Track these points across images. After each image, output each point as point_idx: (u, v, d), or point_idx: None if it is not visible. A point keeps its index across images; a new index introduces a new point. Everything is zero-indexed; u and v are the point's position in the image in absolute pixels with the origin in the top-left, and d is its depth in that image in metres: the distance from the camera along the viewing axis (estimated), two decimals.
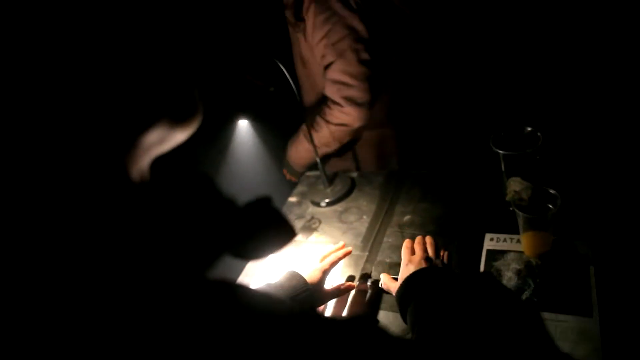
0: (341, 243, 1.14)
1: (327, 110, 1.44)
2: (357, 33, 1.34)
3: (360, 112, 1.41)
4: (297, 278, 0.96)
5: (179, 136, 0.44)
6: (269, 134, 1.69)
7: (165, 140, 0.42)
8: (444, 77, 1.88)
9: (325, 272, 1.01)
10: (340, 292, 1.03)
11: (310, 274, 0.98)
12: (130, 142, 0.38)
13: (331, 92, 1.40)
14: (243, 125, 1.29)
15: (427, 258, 0.96)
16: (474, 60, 1.83)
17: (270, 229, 0.55)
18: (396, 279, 0.97)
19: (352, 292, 1.06)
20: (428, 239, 1.03)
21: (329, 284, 1.04)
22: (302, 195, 1.48)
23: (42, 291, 0.32)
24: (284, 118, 1.59)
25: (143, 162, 0.41)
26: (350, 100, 1.39)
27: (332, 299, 1.03)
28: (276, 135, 1.72)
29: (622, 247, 0.93)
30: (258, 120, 1.57)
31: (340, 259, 1.07)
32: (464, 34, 1.81)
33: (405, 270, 0.94)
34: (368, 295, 1.04)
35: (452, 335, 0.70)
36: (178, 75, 0.42)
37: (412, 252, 1.00)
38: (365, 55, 1.35)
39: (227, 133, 1.55)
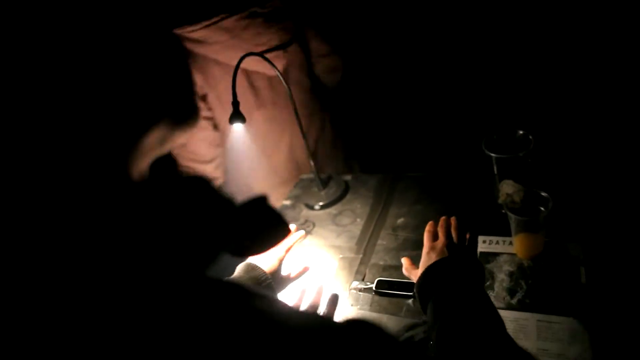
0: (293, 227, 1.15)
1: None
2: None
3: (200, 147, 1.47)
4: (255, 269, 0.98)
5: (179, 137, 0.44)
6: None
7: (165, 141, 0.43)
8: (438, 81, 1.89)
9: (281, 260, 1.04)
10: (297, 277, 1.07)
11: (267, 264, 1.00)
12: (131, 143, 0.39)
13: None
14: (238, 129, 1.29)
15: (449, 244, 0.92)
16: (467, 63, 1.85)
17: (266, 227, 0.56)
18: (417, 265, 0.95)
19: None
20: (453, 222, 0.99)
21: (286, 270, 1.07)
22: (296, 198, 1.48)
23: (43, 291, 0.32)
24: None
25: (143, 163, 0.42)
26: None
27: (290, 283, 1.06)
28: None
29: (613, 249, 0.95)
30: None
31: (294, 243, 1.10)
32: (456, 38, 1.83)
33: (427, 258, 0.90)
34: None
35: (474, 338, 0.68)
36: (178, 77, 0.43)
37: (435, 237, 0.97)
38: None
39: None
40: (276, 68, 1.20)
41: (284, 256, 1.05)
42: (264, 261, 1.01)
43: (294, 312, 0.40)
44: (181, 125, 0.43)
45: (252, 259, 1.01)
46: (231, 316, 0.35)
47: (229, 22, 1.23)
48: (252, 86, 1.46)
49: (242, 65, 1.33)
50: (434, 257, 0.88)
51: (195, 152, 1.45)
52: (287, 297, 1.06)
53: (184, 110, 0.44)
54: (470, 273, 0.84)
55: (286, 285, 1.05)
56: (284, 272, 1.05)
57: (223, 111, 1.44)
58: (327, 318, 0.38)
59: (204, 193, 0.46)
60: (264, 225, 0.55)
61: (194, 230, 0.40)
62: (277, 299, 0.41)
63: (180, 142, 0.45)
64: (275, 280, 1.01)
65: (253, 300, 0.38)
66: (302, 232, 1.14)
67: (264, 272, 0.98)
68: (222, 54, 1.31)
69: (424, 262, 0.91)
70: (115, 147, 0.38)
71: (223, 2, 1.23)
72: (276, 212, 0.58)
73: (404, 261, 1.01)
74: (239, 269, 0.99)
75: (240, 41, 1.28)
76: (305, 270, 1.09)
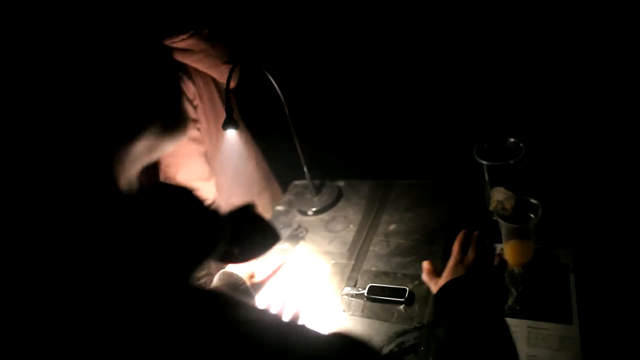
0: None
1: None
2: None
3: (200, 163, 1.42)
4: (230, 276, 1.00)
5: (168, 146, 0.44)
6: (257, 144, 1.70)
7: (153, 149, 0.43)
8: (430, 89, 1.90)
9: (252, 262, 1.05)
10: (272, 275, 1.12)
11: (243, 269, 1.04)
12: (120, 151, 0.39)
13: None
14: (230, 135, 1.29)
15: (479, 262, 0.88)
16: (458, 72, 1.86)
17: (255, 234, 0.56)
18: (439, 274, 0.91)
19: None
20: (487, 241, 0.94)
21: (261, 271, 1.10)
22: (289, 204, 1.48)
23: (28, 297, 0.32)
24: (271, 128, 1.60)
25: (132, 171, 0.42)
26: None
27: (266, 283, 1.11)
28: (264, 146, 1.73)
29: (601, 256, 0.95)
30: (245, 130, 1.58)
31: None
32: (449, 46, 1.84)
33: (454, 270, 0.87)
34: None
35: None
36: (166, 86, 0.43)
37: (465, 249, 0.92)
38: None
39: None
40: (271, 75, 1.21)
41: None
42: (235, 266, 1.03)
43: (275, 322, 0.40)
44: (170, 134, 0.44)
45: (229, 268, 1.03)
46: (210, 324, 0.35)
47: (207, 32, 1.27)
48: (221, 97, 1.47)
49: (214, 74, 1.37)
50: (460, 272, 0.85)
51: (195, 170, 1.38)
52: (267, 307, 1.06)
53: (172, 119, 0.44)
54: (494, 297, 0.81)
55: (262, 287, 1.09)
56: (259, 274, 1.08)
57: (207, 125, 1.42)
58: (309, 330, 0.37)
59: (190, 201, 0.46)
60: (252, 233, 0.55)
61: (179, 238, 0.41)
62: (259, 308, 0.41)
63: (168, 150, 0.45)
64: (251, 283, 1.04)
65: (234, 309, 0.38)
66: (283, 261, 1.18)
67: (240, 278, 1.01)
68: (202, 63, 1.33)
69: (450, 273, 0.87)
70: (103, 155, 0.38)
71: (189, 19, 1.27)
72: (265, 221, 0.58)
73: (426, 265, 0.95)
74: (217, 277, 1.02)
75: (216, 50, 1.33)
76: (279, 268, 1.12)
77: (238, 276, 1.01)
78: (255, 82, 1.41)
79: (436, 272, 0.93)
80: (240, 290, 0.99)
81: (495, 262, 0.93)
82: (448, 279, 0.84)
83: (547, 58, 1.70)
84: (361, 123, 1.99)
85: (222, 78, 1.38)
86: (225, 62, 1.29)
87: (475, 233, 0.94)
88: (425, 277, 0.95)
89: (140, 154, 0.41)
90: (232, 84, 1.43)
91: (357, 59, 1.92)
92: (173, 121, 0.44)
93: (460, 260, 0.88)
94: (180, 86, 0.43)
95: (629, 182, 1.08)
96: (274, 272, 1.13)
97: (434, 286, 0.88)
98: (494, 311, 0.76)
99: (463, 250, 0.92)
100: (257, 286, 1.09)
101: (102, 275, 0.34)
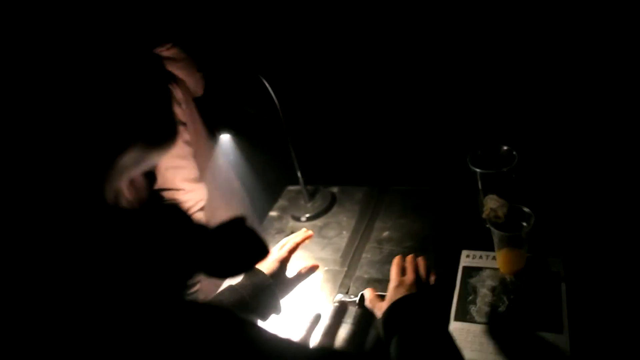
0: (303, 230, 1.14)
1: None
2: None
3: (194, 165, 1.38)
4: (257, 274, 0.96)
5: (155, 158, 0.44)
6: (251, 149, 1.70)
7: (141, 161, 0.42)
8: (423, 97, 1.91)
9: (284, 262, 1.02)
10: (304, 277, 1.05)
11: (268, 267, 0.99)
12: (107, 162, 0.39)
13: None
14: (225, 140, 1.29)
15: (418, 281, 0.93)
16: (452, 80, 1.87)
17: (243, 247, 0.55)
18: (382, 297, 0.95)
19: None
20: (420, 261, 1.00)
21: (291, 272, 1.05)
22: (283, 210, 1.48)
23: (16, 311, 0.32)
24: (266, 133, 1.60)
25: (118, 182, 0.41)
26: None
27: (296, 285, 1.04)
28: (258, 151, 1.73)
29: (593, 265, 0.96)
30: (240, 135, 1.58)
31: (298, 244, 1.07)
32: (442, 53, 1.85)
33: (395, 292, 0.91)
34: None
35: None
36: (155, 97, 0.43)
37: (403, 272, 0.98)
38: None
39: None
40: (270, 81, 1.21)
41: (287, 257, 1.03)
42: (265, 265, 0.99)
43: (266, 335, 0.40)
44: (157, 146, 0.43)
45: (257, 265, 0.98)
46: (201, 340, 0.34)
47: (186, 41, 1.30)
48: (195, 106, 1.46)
49: (190, 83, 1.38)
50: (402, 292, 0.89)
51: (192, 171, 1.34)
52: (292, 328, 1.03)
53: (160, 131, 0.44)
54: (437, 313, 0.88)
55: (292, 288, 1.03)
56: (289, 274, 1.03)
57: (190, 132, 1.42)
58: (297, 343, 0.37)
59: (178, 213, 0.46)
60: (239, 245, 0.55)
61: (169, 251, 0.40)
62: (249, 321, 0.41)
63: (156, 162, 0.45)
64: (280, 283, 0.99)
65: (226, 323, 0.37)
66: (310, 232, 1.12)
67: (266, 277, 0.96)
68: (183, 71, 1.36)
69: (392, 296, 0.91)
70: (90, 166, 0.38)
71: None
72: (254, 233, 0.57)
73: (369, 292, 0.99)
74: (244, 274, 0.97)
75: (191, 59, 1.36)
76: (312, 268, 1.07)
77: (264, 274, 0.96)
78: (244, 86, 1.42)
79: (379, 298, 0.96)
80: (267, 291, 0.94)
81: (432, 280, 0.98)
82: (391, 302, 0.88)
83: (541, 67, 1.71)
84: (355, 129, 1.99)
85: (196, 87, 1.42)
86: (198, 71, 1.32)
87: (410, 256, 1.01)
88: (368, 303, 0.98)
89: (127, 165, 0.41)
90: (200, 92, 1.44)
91: (351, 65, 1.93)
92: (161, 133, 0.44)
93: (400, 283, 0.93)
94: (171, 92, 0.42)
95: (621, 191, 1.08)
96: (306, 274, 1.07)
97: (378, 311, 0.91)
98: (438, 325, 0.82)
99: (401, 273, 0.97)
100: (285, 285, 1.02)
101: (87, 287, 0.33)
